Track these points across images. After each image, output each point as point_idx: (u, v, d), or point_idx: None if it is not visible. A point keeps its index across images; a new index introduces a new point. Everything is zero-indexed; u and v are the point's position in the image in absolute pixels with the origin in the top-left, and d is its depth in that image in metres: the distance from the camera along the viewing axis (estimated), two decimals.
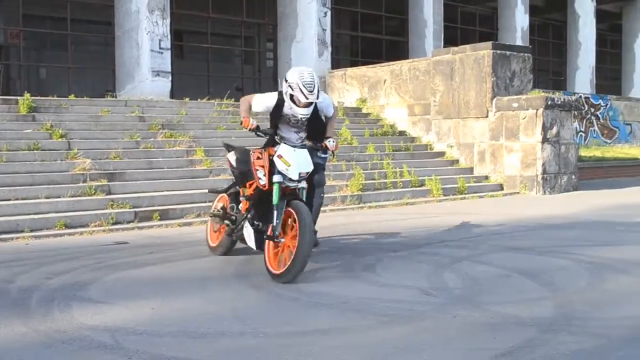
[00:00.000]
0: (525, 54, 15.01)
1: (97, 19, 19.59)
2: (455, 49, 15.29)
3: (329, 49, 19.46)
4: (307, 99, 5.78)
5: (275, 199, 5.66)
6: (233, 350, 3.89)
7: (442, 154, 15.24)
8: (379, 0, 25.14)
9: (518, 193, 13.59)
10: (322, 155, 6.30)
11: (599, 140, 24.71)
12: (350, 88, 17.92)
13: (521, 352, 3.74)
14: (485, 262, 6.44)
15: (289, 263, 5.45)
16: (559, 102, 13.89)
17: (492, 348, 3.80)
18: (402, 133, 16.05)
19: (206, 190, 9.23)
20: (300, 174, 5.71)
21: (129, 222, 9.08)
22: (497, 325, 4.27)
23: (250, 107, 6.27)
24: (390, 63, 17.33)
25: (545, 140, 13.49)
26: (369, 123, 16.31)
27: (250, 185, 6.05)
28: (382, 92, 17.02)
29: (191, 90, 16.96)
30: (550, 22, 32.90)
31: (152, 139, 12.10)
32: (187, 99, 15.02)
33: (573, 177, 14.22)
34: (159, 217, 9.29)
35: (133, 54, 16.33)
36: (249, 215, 5.98)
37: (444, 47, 20.76)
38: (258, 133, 6.03)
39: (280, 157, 5.72)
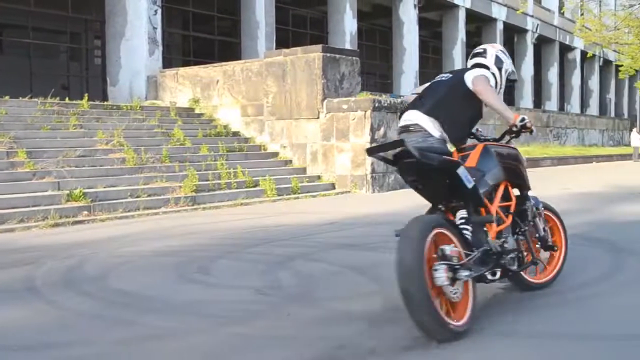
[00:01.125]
0: (354, 58, 15.52)
1: None
2: (287, 50, 15.52)
3: (160, 47, 19.05)
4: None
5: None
6: None
7: (275, 154, 15.40)
8: (211, 0, 25.00)
9: (349, 192, 14.03)
10: None
11: None
12: (182, 88, 17.65)
13: (353, 345, 3.86)
14: (318, 259, 6.58)
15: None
16: (386, 104, 14.49)
17: (326, 343, 3.90)
18: (235, 134, 16.04)
19: (29, 194, 8.71)
20: None
21: None
22: (330, 321, 4.38)
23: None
24: (223, 63, 17.27)
25: (373, 140, 14.02)
26: (202, 123, 16.15)
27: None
28: (215, 93, 16.92)
29: (12, 87, 15.92)
30: (377, 28, 34.31)
31: None
32: (6, 97, 14.07)
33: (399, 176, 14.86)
34: None
35: None
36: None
37: (276, 48, 20.99)
38: (515, 134, 4.80)
39: None
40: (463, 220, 4.37)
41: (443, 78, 4.79)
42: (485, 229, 4.42)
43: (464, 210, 4.40)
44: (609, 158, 33.33)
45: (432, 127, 4.49)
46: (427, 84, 4.93)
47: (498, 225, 4.48)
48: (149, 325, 4.35)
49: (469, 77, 4.61)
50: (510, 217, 4.66)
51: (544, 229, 5.09)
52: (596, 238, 7.55)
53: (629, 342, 3.86)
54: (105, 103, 16.44)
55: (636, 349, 3.76)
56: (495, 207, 4.53)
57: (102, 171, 11.67)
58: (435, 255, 3.93)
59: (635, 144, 34.38)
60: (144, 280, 5.69)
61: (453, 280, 3.93)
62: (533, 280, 5.05)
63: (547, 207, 5.25)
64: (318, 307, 4.74)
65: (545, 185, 14.40)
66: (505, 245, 4.45)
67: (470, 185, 4.25)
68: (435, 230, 3.98)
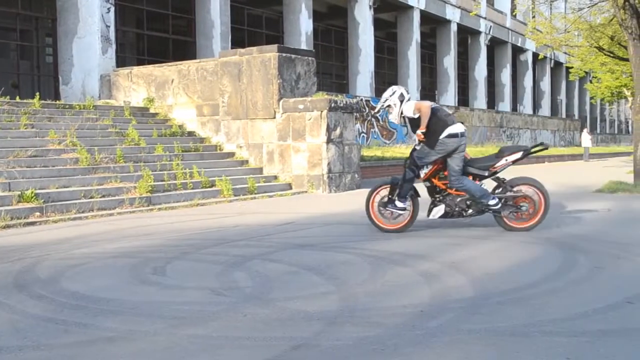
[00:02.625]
0: (310, 58, 15.55)
1: None
2: (243, 50, 15.48)
3: (114, 46, 18.81)
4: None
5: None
6: None
7: (232, 154, 15.35)
8: None
9: (306, 192, 14.05)
10: None
11: (379, 140, 26.26)
12: (136, 87, 17.46)
13: (309, 346, 3.87)
14: (274, 259, 6.58)
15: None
16: (342, 105, 14.56)
17: (282, 343, 3.91)
18: (191, 133, 15.93)
19: None
20: None
21: None
22: (286, 321, 4.38)
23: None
24: (178, 63, 17.14)
25: (329, 140, 14.07)
26: (157, 123, 16.00)
27: None
28: (170, 92, 16.78)
29: None
30: (332, 28, 34.45)
31: None
32: None
33: (356, 175, 14.97)
34: None
35: None
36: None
37: (232, 48, 20.91)
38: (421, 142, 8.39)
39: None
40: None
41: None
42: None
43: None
44: (561, 158, 34.03)
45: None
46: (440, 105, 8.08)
47: None
48: (103, 327, 4.30)
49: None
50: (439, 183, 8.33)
51: None
52: (547, 238, 7.71)
53: (578, 339, 3.95)
54: (58, 102, 16.17)
55: (584, 345, 3.85)
56: (426, 176, 8.26)
57: (55, 172, 11.47)
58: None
59: (585, 145, 35.18)
60: (98, 282, 5.62)
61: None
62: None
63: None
64: (274, 307, 4.75)
65: None
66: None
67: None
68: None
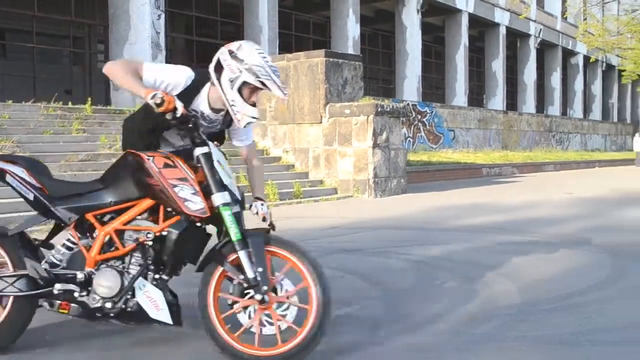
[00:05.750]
0: (357, 62, 15.54)
1: None
2: (290, 55, 15.56)
3: (164, 52, 19.12)
4: (283, 93, 3.63)
5: (236, 232, 3.48)
6: None
7: (278, 159, 15.43)
8: (214, 4, 25.07)
9: (351, 196, 14.04)
10: None
11: (426, 145, 26.10)
12: None
13: (353, 350, 3.87)
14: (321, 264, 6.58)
15: (302, 331, 3.44)
16: (388, 109, 14.51)
17: (326, 348, 3.91)
18: None
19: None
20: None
21: None
22: (331, 326, 4.38)
23: (139, 77, 3.59)
24: None
25: (376, 145, 14.04)
26: None
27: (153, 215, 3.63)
28: None
29: (15, 92, 16.01)
30: (379, 32, 34.41)
31: None
32: (10, 102, 14.14)
33: (402, 180, 14.90)
34: None
35: None
36: (150, 269, 3.58)
37: (279, 53, 21.04)
38: (180, 125, 3.56)
39: (219, 163, 3.68)
40: None
41: None
42: None
43: None
44: (612, 163, 33.32)
45: None
46: None
47: None
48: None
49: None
50: None
51: None
52: (598, 243, 7.56)
53: (629, 348, 3.86)
54: (109, 107, 16.49)
55: (636, 355, 3.76)
56: None
57: None
58: None
59: (637, 149, 34.34)
60: None
61: None
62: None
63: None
64: None
65: (548, 190, 14.42)
66: None
67: None
68: None
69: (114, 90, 19.22)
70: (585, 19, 22.84)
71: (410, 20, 29.74)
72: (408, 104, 24.53)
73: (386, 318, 4.55)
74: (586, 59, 44.99)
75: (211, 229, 3.70)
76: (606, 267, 6.24)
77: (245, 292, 3.47)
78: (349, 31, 26.36)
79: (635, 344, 3.93)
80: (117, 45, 19.17)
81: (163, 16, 19.26)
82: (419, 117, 25.94)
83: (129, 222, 3.61)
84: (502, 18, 36.03)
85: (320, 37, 30.55)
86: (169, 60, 20.64)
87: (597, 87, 49.33)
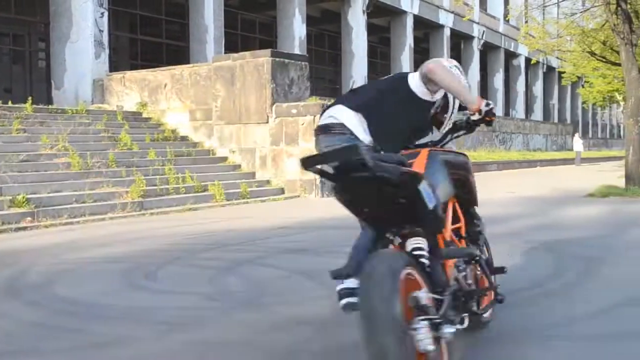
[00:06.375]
0: (303, 62, 15.56)
1: None
2: (236, 55, 15.48)
3: (107, 50, 18.78)
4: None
5: None
6: None
7: (224, 159, 15.34)
8: (159, 3, 24.76)
9: (298, 196, 14.05)
10: None
11: None
12: (129, 92, 17.43)
13: (301, 350, 3.87)
14: (267, 264, 6.58)
15: None
16: None
17: (275, 348, 3.90)
18: (184, 138, 15.91)
19: None
20: None
21: None
22: (279, 326, 4.38)
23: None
24: (171, 67, 17.13)
25: None
26: (150, 128, 15.97)
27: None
28: (163, 97, 16.75)
29: None
30: (325, 33, 34.49)
31: None
32: None
33: None
34: None
35: None
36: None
37: (225, 53, 20.90)
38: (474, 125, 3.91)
39: None
40: (420, 252, 3.13)
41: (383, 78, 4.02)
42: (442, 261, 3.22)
43: (416, 239, 3.17)
44: (553, 162, 34.13)
45: (361, 129, 3.56)
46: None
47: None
48: (95, 333, 4.29)
49: (413, 75, 3.68)
50: (464, 243, 3.68)
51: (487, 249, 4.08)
52: (539, 241, 7.72)
53: (576, 344, 3.96)
54: (50, 107, 16.11)
55: (584, 349, 3.86)
56: (448, 231, 3.45)
57: (47, 176, 11.44)
58: (409, 306, 2.71)
59: (577, 149, 35.28)
60: (90, 287, 5.60)
61: (436, 341, 2.77)
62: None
63: None
64: (267, 312, 4.74)
65: (491, 189, 14.65)
66: (469, 281, 3.44)
67: (431, 205, 3.00)
68: (406, 271, 2.76)
69: (56, 89, 18.81)
70: (526, 22, 23.33)
71: (356, 20, 29.90)
72: None
73: (333, 318, 4.57)
74: (527, 60, 45.96)
75: None
76: (548, 264, 6.38)
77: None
78: (295, 31, 26.34)
79: (580, 339, 4.03)
80: (58, 43, 18.76)
81: (106, 14, 18.92)
82: None
83: None
84: (446, 20, 36.55)
85: (267, 37, 30.47)
86: (112, 59, 20.32)
87: (538, 88, 50.44)
